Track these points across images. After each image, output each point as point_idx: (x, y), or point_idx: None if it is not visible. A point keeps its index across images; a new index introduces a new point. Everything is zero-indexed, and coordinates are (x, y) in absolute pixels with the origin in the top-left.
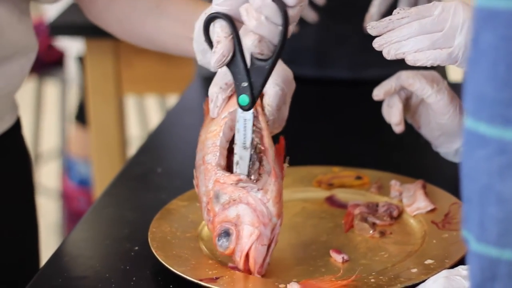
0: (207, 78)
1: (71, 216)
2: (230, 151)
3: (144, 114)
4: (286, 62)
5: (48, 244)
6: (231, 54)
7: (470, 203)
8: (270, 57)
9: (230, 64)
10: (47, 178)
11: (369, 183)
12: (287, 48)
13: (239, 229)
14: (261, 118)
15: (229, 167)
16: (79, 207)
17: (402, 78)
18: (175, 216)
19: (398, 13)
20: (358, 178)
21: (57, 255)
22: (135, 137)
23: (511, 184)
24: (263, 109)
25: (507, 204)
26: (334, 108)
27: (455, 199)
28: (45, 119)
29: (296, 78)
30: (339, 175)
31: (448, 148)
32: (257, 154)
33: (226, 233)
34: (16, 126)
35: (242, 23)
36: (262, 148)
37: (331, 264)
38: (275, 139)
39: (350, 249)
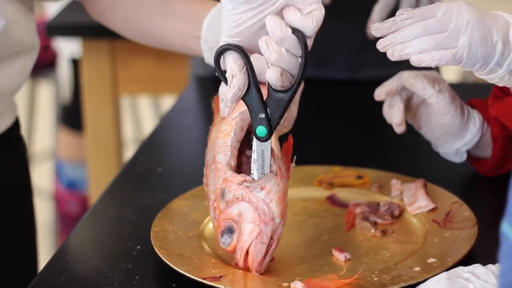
0: (202, 78)
1: (63, 219)
2: (240, 151)
3: (137, 116)
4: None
5: (41, 245)
6: (246, 87)
7: None
8: (289, 88)
9: (245, 97)
10: (40, 179)
11: (369, 183)
12: None
13: (240, 226)
14: None
15: (239, 167)
16: (70, 210)
17: (404, 78)
18: (177, 215)
19: (401, 14)
20: (359, 177)
21: (59, 255)
22: (129, 139)
23: None
24: None
25: None
26: (334, 108)
27: (456, 198)
28: (38, 120)
29: None
30: (340, 175)
31: (449, 148)
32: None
33: (230, 230)
34: (15, 126)
35: (252, 52)
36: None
37: (333, 263)
38: (283, 138)
39: (352, 248)
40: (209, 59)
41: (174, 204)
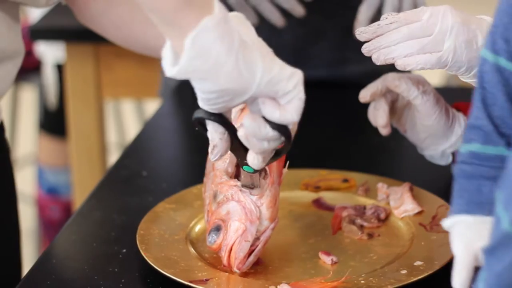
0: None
1: (46, 224)
2: None
3: (121, 121)
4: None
5: (24, 250)
6: (228, 150)
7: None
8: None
9: (230, 149)
10: (23, 183)
11: (356, 186)
12: None
13: (227, 224)
14: None
15: (236, 177)
16: (52, 216)
17: (388, 80)
18: (163, 219)
19: (386, 18)
20: (345, 181)
21: (44, 258)
22: (113, 144)
23: None
24: None
25: None
26: (320, 111)
27: (442, 202)
28: (21, 125)
29: None
30: (326, 178)
31: (434, 150)
32: None
33: (217, 229)
34: (0, 130)
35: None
36: None
37: (320, 266)
38: None
39: (338, 251)
40: None
41: (160, 207)
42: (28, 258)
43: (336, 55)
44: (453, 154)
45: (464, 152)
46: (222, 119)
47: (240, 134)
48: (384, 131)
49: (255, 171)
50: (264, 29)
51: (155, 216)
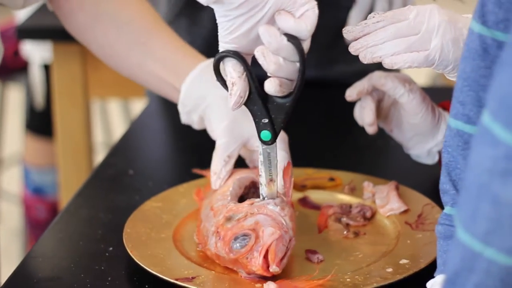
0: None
1: (32, 224)
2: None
3: (107, 121)
4: (252, 63)
5: (10, 250)
6: (247, 93)
7: (468, 193)
8: (290, 94)
9: (247, 103)
10: (9, 183)
11: (342, 185)
12: None
13: (258, 231)
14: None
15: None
16: (37, 215)
17: (374, 78)
18: (149, 217)
19: (373, 17)
20: (331, 179)
21: (31, 256)
22: (99, 144)
23: (510, 189)
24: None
25: (501, 207)
26: (306, 109)
27: (428, 200)
28: (7, 125)
29: (264, 80)
30: (312, 177)
31: (420, 148)
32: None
33: (244, 235)
34: None
35: (251, 55)
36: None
37: (306, 264)
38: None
39: (324, 250)
40: (186, 121)
41: (146, 205)
42: (15, 257)
43: (325, 55)
44: (440, 153)
45: (442, 214)
46: (241, 58)
47: (257, 52)
48: (371, 129)
49: (271, 142)
50: None
51: (142, 215)
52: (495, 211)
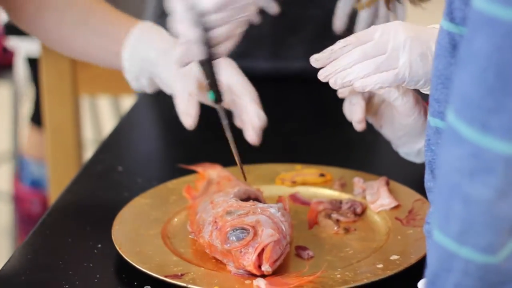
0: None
1: (23, 219)
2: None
3: (97, 117)
4: (240, 55)
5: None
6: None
7: (440, 194)
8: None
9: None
10: (0, 180)
11: (332, 180)
12: (242, 39)
13: (257, 229)
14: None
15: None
16: (31, 210)
17: None
18: (138, 214)
19: (339, 42)
20: (321, 175)
21: (19, 253)
22: (89, 140)
23: (479, 188)
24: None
25: (472, 206)
26: (296, 105)
27: (419, 196)
28: None
29: (252, 74)
30: (302, 173)
31: (410, 148)
32: None
33: (243, 229)
34: None
35: None
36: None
37: (296, 260)
38: None
39: (315, 246)
40: (136, 87)
41: (135, 202)
42: (4, 255)
43: (314, 47)
44: None
45: (428, 213)
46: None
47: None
48: (359, 126)
49: (216, 101)
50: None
51: (131, 211)
52: (466, 211)
